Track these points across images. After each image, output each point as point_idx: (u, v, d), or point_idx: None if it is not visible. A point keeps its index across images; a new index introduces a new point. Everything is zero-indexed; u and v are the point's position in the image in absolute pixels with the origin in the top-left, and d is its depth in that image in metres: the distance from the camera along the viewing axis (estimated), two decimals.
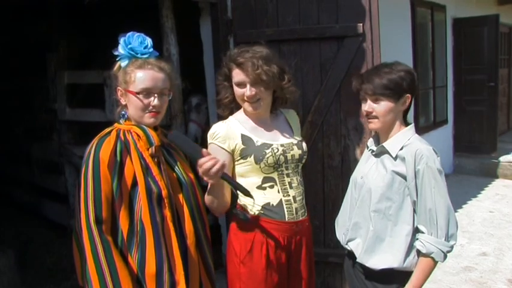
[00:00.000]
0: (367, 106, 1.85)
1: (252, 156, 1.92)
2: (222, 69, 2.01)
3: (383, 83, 1.79)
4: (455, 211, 5.45)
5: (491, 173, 6.87)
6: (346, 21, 2.85)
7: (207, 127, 3.80)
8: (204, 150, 1.70)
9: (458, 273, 3.82)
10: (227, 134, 1.94)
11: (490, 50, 7.09)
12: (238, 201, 2.00)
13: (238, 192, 1.90)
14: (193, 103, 4.12)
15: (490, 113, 7.19)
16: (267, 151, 1.92)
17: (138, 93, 1.71)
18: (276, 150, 1.93)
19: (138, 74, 1.72)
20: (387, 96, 1.79)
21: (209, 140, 1.97)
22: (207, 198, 1.89)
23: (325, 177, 2.98)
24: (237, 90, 1.93)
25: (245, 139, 1.94)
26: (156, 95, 1.73)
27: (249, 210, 1.95)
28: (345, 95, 2.87)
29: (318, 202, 2.97)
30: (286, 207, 1.95)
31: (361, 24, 2.81)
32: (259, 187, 1.95)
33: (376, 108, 1.83)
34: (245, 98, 1.91)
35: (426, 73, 6.57)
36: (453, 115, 7.39)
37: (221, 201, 1.91)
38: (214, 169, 1.66)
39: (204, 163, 1.66)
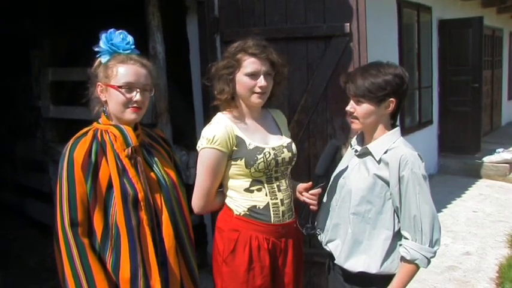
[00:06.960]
0: (350, 106, 1.81)
1: (243, 160, 1.84)
2: (225, 62, 1.87)
3: (365, 86, 1.73)
4: (440, 211, 5.52)
5: (475, 174, 6.95)
6: (333, 21, 2.86)
7: None
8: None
9: (442, 272, 3.85)
10: (225, 136, 1.83)
11: (474, 51, 7.18)
12: (227, 202, 1.94)
13: (238, 196, 1.91)
14: None
15: (474, 114, 7.28)
16: (259, 156, 1.84)
17: (120, 87, 1.67)
18: (267, 155, 1.86)
19: (121, 69, 1.68)
20: (368, 99, 1.74)
21: (205, 144, 1.82)
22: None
23: (311, 177, 2.97)
24: (247, 82, 1.83)
25: (238, 140, 1.85)
26: (138, 90, 1.69)
27: (234, 211, 1.91)
28: (332, 94, 2.87)
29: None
30: (273, 210, 1.90)
31: (348, 24, 2.81)
32: (247, 190, 1.89)
33: (357, 109, 1.78)
34: (257, 88, 1.83)
35: (412, 74, 6.61)
36: (438, 116, 7.46)
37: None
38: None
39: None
